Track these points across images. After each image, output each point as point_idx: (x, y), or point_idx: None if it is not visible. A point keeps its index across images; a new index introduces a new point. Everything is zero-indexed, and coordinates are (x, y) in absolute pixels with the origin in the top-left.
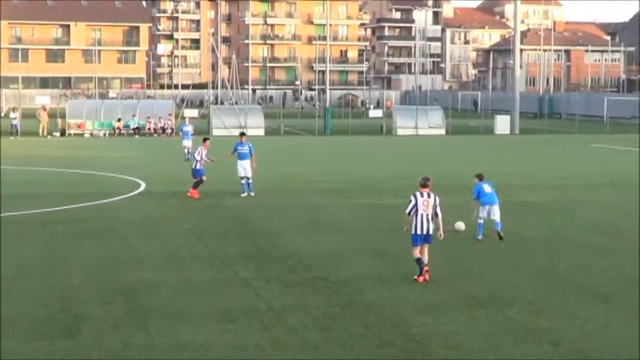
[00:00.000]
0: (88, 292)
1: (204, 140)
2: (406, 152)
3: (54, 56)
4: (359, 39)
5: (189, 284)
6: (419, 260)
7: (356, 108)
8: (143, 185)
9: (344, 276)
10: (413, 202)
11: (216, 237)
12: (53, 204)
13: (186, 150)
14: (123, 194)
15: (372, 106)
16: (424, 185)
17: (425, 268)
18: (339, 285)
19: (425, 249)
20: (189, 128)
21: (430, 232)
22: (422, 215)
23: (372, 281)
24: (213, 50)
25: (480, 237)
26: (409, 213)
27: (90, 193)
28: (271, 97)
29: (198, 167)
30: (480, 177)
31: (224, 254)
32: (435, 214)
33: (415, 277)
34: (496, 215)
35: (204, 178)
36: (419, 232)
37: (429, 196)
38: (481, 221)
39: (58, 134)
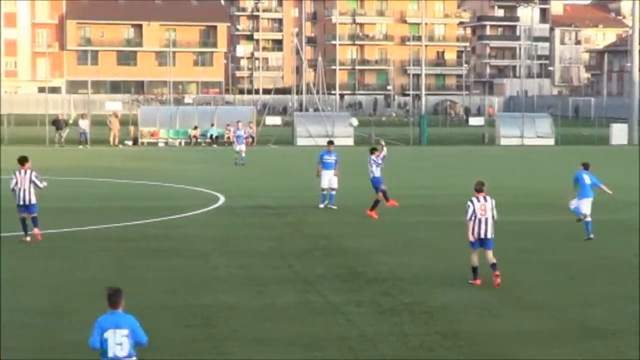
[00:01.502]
0: (164, 315)
1: (372, 150)
2: (510, 164)
3: (126, 58)
4: (457, 39)
5: (271, 307)
6: (475, 268)
7: (455, 115)
8: (222, 199)
9: (442, 301)
10: (471, 207)
11: (300, 256)
12: (124, 218)
13: (243, 155)
14: (200, 209)
15: (472, 113)
16: (479, 190)
17: (496, 273)
18: (436, 311)
19: (489, 254)
20: (241, 132)
21: (489, 236)
22: (480, 219)
23: (472, 307)
24: (297, 52)
25: (591, 236)
26: (470, 219)
27: (164, 207)
28: (360, 103)
29: (378, 174)
30: (585, 166)
31: (309, 275)
32: (492, 217)
33: (471, 281)
34: (587, 209)
35: (383, 188)
36: (476, 236)
37: (485, 200)
38: (581, 215)
39: (130, 143)
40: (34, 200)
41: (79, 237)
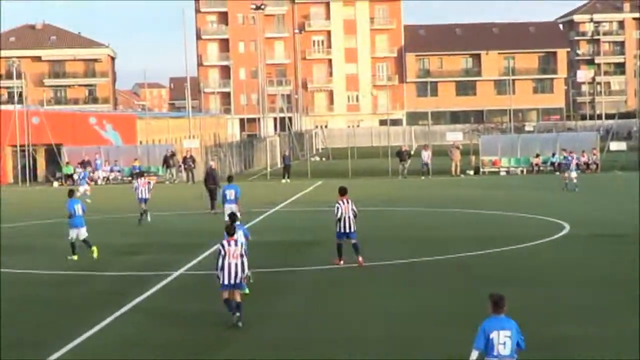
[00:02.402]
0: None
1: None
2: None
3: (464, 88)
4: None
5: (619, 338)
6: None
7: None
8: (567, 228)
9: None
10: None
11: None
12: (465, 247)
13: (574, 181)
14: (544, 237)
15: None
16: None
17: None
18: None
19: None
20: (570, 158)
21: None
22: None
23: None
24: None
25: None
26: None
27: (505, 236)
28: None
29: None
30: None
31: None
32: None
33: None
34: None
35: None
36: None
37: None
38: None
39: (471, 172)
40: (354, 229)
41: (420, 266)
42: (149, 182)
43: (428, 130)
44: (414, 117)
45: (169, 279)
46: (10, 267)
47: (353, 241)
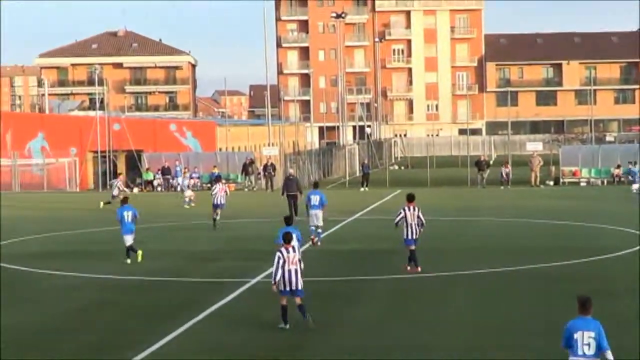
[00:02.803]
0: None
1: None
2: None
3: (545, 98)
4: None
5: None
6: None
7: None
8: None
9: None
10: None
11: None
12: (549, 258)
13: None
14: (626, 249)
15: None
16: None
17: None
18: None
19: None
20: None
21: None
22: None
23: None
24: None
25: None
26: None
27: (589, 246)
28: None
29: None
30: None
31: None
32: None
33: None
34: None
35: None
36: None
37: None
38: None
39: (551, 183)
40: (417, 236)
41: (501, 275)
42: (226, 189)
43: (508, 140)
44: (494, 127)
45: (247, 285)
46: (91, 272)
47: (412, 247)
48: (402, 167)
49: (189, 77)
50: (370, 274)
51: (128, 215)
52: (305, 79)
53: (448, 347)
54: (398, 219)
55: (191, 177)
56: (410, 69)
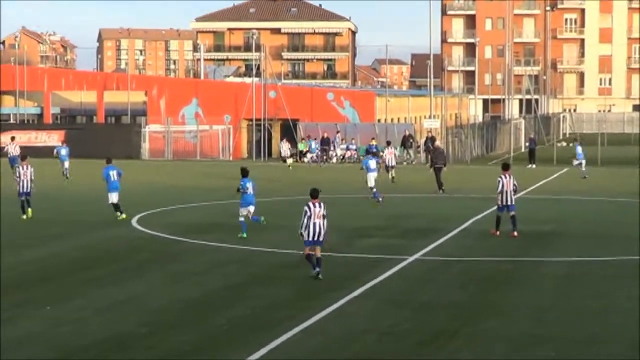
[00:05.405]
0: None
1: None
2: None
3: None
4: None
5: None
6: None
7: None
8: None
9: None
10: None
11: None
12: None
13: None
14: None
15: None
16: None
17: None
18: None
19: None
20: None
21: None
22: None
23: None
24: None
25: None
26: None
27: None
28: None
29: None
30: None
31: None
32: None
33: None
34: None
35: None
36: None
37: None
38: None
39: None
40: (513, 202)
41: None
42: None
43: None
44: None
45: (403, 263)
46: (254, 245)
47: (512, 213)
48: (571, 144)
49: (349, 44)
50: (535, 256)
51: (113, 174)
52: (470, 49)
53: (617, 339)
54: (499, 187)
55: (347, 149)
56: (582, 40)
